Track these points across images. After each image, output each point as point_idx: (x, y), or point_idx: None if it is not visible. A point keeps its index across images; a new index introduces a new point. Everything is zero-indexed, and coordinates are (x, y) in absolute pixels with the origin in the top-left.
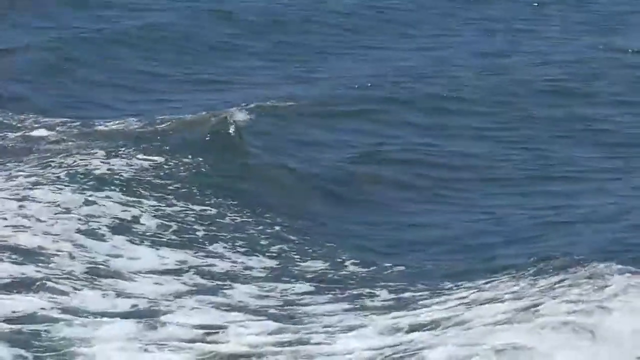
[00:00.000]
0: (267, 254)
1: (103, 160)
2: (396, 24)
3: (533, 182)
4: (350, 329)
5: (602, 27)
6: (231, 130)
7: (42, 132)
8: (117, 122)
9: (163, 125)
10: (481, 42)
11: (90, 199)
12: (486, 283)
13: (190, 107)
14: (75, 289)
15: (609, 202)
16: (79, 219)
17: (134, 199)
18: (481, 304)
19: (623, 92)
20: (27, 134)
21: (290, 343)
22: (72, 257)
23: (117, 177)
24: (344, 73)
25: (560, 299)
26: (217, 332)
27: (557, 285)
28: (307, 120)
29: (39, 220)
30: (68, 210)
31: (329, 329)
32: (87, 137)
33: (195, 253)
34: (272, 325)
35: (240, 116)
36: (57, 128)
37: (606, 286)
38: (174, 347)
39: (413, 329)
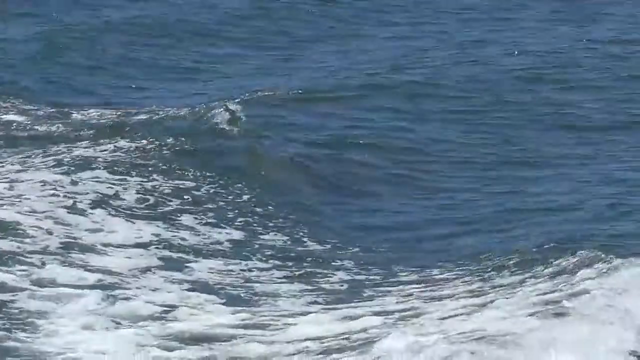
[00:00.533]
0: (233, 227)
1: (89, 145)
2: (376, 12)
3: (502, 167)
4: (306, 313)
5: (580, 17)
6: (215, 117)
7: (28, 119)
8: (103, 109)
9: (148, 113)
10: (460, 30)
11: (75, 179)
12: (446, 272)
13: (175, 95)
14: (45, 262)
15: (574, 188)
16: (63, 197)
17: (118, 177)
18: (440, 294)
19: (595, 80)
20: (14, 120)
21: (246, 326)
22: (49, 232)
23: (103, 159)
24: (324, 61)
25: (531, 286)
26: (175, 311)
27: (524, 275)
28: (288, 106)
29: (23, 198)
30: (53, 189)
31: (285, 312)
32: (74, 124)
33: (169, 226)
34: (230, 307)
35: (225, 104)
36: (47, 115)
37: (576, 272)
38: (131, 325)
39: (368, 316)
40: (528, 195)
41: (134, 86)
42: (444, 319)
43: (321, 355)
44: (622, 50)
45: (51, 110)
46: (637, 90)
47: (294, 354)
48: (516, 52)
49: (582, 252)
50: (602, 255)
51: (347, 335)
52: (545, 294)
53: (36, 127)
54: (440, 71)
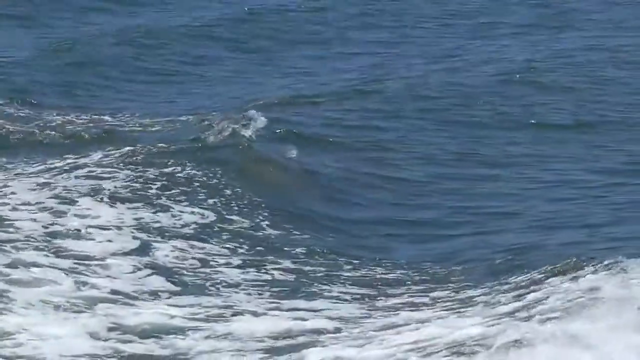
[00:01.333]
0: (202, 207)
1: (81, 146)
2: (364, 17)
3: (466, 166)
4: (252, 308)
5: (562, 23)
6: (208, 121)
7: (19, 122)
8: (95, 114)
9: (137, 119)
10: (442, 35)
11: (68, 177)
12: (389, 273)
13: (166, 100)
14: (22, 247)
15: (530, 189)
16: (56, 190)
17: (110, 169)
18: (384, 302)
19: (569, 83)
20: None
21: (194, 319)
22: (35, 221)
23: (95, 158)
24: (311, 67)
25: (481, 293)
26: (132, 300)
27: (475, 283)
28: (274, 109)
29: (13, 193)
30: (46, 185)
31: (233, 305)
32: (67, 126)
33: (148, 209)
34: (184, 295)
35: (214, 110)
36: (38, 118)
37: (534, 278)
38: (90, 312)
39: (312, 319)
40: (482, 196)
41: (122, 91)
42: (388, 328)
43: (262, 356)
44: (600, 56)
45: (41, 113)
46: (609, 93)
47: (235, 352)
48: (495, 57)
49: (538, 258)
50: (557, 263)
51: (290, 336)
52: (504, 303)
53: (28, 129)
54: (421, 75)
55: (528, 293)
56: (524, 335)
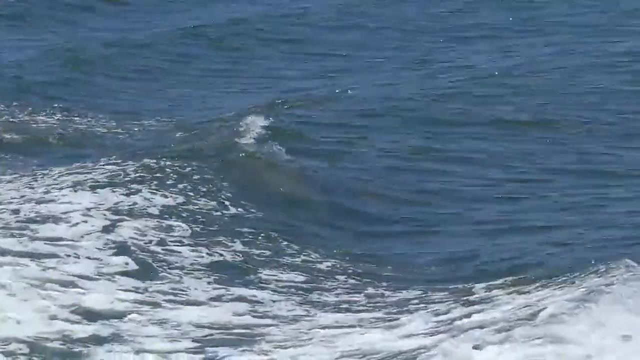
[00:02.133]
0: (171, 190)
1: (74, 144)
2: (342, 21)
3: (421, 160)
4: (199, 295)
5: (536, 26)
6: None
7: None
8: (90, 117)
9: (130, 122)
10: (421, 39)
11: (55, 173)
12: (325, 262)
13: (157, 102)
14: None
15: (474, 188)
16: (41, 187)
17: (97, 166)
18: (320, 297)
19: (535, 85)
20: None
21: (142, 303)
22: (16, 212)
23: (84, 157)
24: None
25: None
26: (90, 282)
27: (408, 289)
28: (258, 111)
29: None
30: (31, 182)
31: (180, 291)
32: (57, 131)
33: (124, 193)
34: (137, 279)
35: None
36: (24, 119)
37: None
38: (49, 294)
39: (249, 315)
40: (425, 193)
41: (112, 93)
42: (323, 328)
43: (196, 345)
44: (572, 59)
45: (29, 114)
46: (577, 94)
47: (171, 339)
48: (467, 60)
49: (481, 263)
50: (504, 267)
51: (227, 328)
52: (443, 313)
53: (14, 129)
54: (396, 77)
55: (470, 301)
56: (479, 339)
